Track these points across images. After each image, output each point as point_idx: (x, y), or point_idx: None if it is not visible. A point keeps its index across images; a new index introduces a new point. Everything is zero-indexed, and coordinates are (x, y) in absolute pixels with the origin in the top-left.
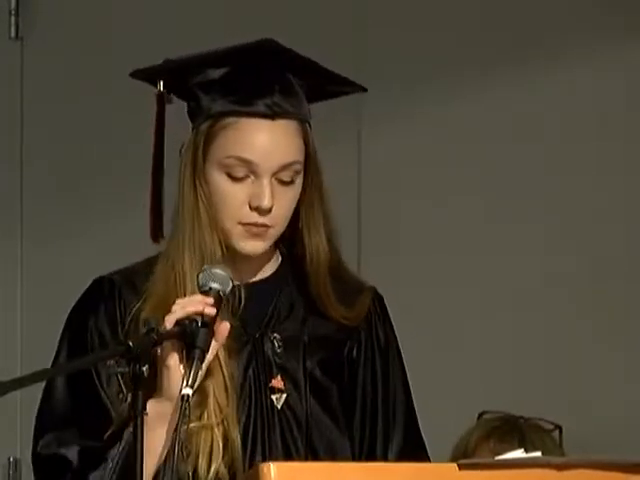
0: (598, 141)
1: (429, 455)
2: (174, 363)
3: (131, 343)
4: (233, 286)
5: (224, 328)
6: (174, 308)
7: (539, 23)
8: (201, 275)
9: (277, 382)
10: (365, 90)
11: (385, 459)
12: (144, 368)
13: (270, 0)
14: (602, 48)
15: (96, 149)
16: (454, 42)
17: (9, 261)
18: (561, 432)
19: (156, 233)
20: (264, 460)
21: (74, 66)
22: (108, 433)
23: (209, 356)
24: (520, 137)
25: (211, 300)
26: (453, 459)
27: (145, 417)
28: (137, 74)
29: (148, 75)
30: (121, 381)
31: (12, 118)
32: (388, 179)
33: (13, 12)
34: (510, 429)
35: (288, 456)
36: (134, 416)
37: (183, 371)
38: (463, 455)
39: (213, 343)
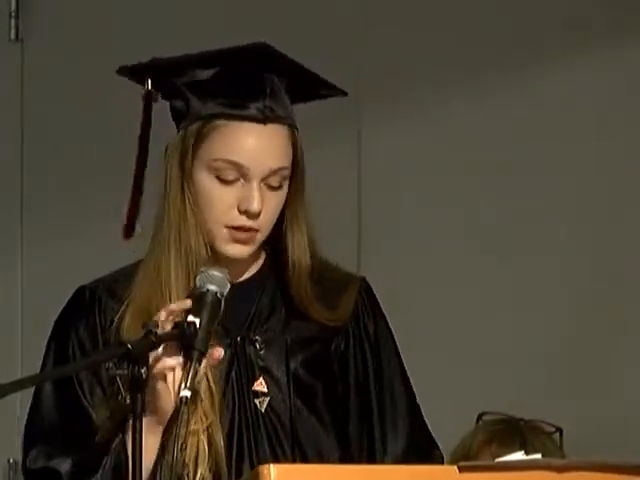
0: (598, 141)
1: (437, 444)
2: (162, 385)
3: (130, 345)
4: (230, 287)
5: (218, 354)
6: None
7: (539, 23)
8: (198, 277)
9: (260, 385)
10: (345, 94)
11: (385, 453)
12: (142, 370)
13: (270, 1)
14: (602, 48)
15: (96, 149)
16: (454, 42)
17: (9, 261)
18: (561, 434)
19: (130, 232)
20: (252, 464)
21: (74, 68)
22: (97, 438)
23: (200, 373)
24: (520, 136)
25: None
26: (453, 461)
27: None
28: (123, 71)
29: (134, 72)
30: (120, 383)
31: (12, 119)
32: (388, 179)
33: (13, 14)
34: (512, 433)
35: (275, 459)
36: (133, 418)
37: (181, 374)
38: (464, 458)
39: (203, 363)
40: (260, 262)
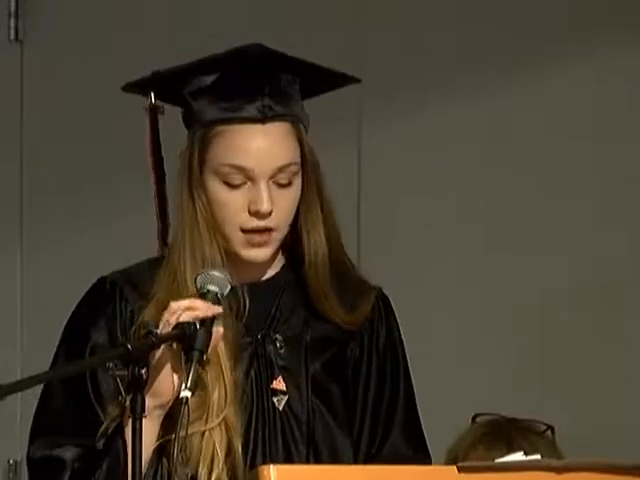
0: (598, 141)
1: (431, 457)
2: (167, 370)
3: (130, 346)
4: (231, 288)
5: (217, 333)
6: (175, 309)
7: (539, 23)
8: (199, 278)
9: (278, 384)
10: (359, 81)
11: (374, 459)
12: (143, 371)
13: (271, 1)
14: (602, 48)
15: (96, 150)
16: (454, 42)
17: (9, 261)
18: (553, 432)
19: (165, 238)
20: (265, 462)
21: (74, 68)
22: (100, 432)
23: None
24: (520, 136)
25: (217, 308)
26: (446, 463)
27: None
28: (128, 87)
29: (139, 87)
30: (120, 383)
31: (12, 120)
32: (388, 178)
33: (13, 14)
34: (498, 435)
35: (289, 458)
36: (133, 419)
37: (184, 373)
38: (455, 461)
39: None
40: (281, 261)
